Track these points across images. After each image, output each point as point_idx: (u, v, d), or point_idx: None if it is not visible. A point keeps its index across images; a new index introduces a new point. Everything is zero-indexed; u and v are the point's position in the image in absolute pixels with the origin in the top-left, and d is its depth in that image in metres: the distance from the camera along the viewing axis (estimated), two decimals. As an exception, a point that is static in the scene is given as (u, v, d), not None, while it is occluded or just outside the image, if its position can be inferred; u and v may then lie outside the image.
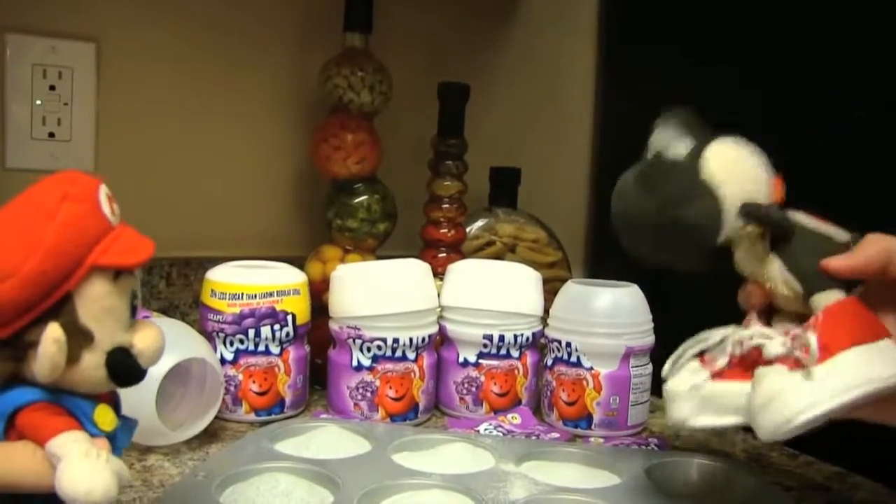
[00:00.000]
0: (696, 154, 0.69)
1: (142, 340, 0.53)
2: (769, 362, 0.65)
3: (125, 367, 0.52)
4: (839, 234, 0.70)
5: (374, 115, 1.14)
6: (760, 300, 0.71)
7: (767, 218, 0.68)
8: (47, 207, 0.49)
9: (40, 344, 0.48)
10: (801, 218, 0.70)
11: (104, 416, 0.52)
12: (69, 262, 0.49)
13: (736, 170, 0.69)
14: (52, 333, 0.48)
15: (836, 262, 0.66)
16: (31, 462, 0.48)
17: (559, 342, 1.00)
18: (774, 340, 0.66)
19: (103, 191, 0.52)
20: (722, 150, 0.69)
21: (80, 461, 0.47)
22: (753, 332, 0.68)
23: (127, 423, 0.55)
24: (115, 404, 0.55)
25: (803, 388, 0.62)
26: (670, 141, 0.71)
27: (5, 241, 0.49)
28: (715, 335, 0.71)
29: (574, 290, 1.01)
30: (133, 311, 0.53)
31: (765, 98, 1.14)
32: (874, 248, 0.67)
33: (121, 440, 0.54)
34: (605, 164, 1.49)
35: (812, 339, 0.63)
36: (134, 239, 0.53)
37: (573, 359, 0.98)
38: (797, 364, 0.63)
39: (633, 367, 0.98)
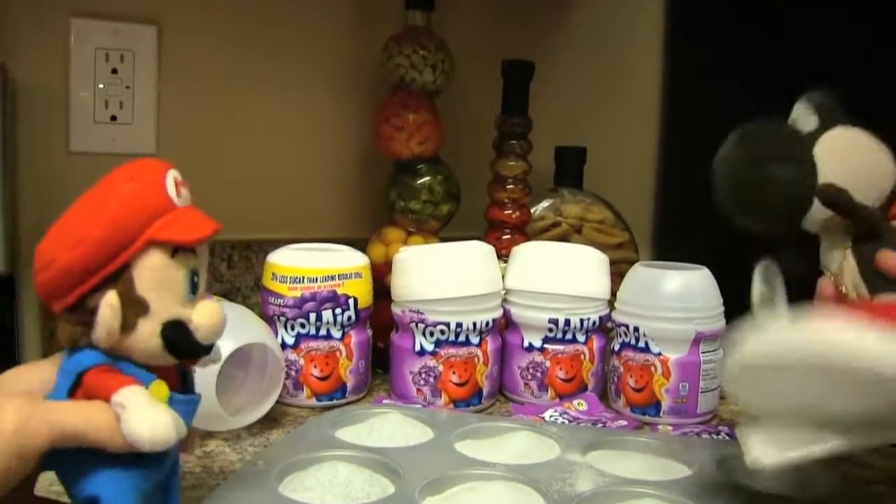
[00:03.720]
0: (817, 131, 0.66)
1: (200, 316, 0.55)
2: None
3: (179, 339, 0.54)
4: None
5: (437, 95, 1.12)
6: (832, 299, 0.68)
7: (847, 207, 0.64)
8: (114, 185, 0.53)
9: (98, 309, 0.51)
10: None
11: (159, 391, 0.54)
12: (127, 234, 0.52)
13: (850, 157, 0.65)
14: (109, 299, 0.51)
15: (893, 259, 0.62)
16: (105, 415, 0.51)
17: (627, 327, 0.97)
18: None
19: (171, 174, 0.55)
20: (843, 135, 0.66)
21: (144, 406, 0.51)
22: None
23: (188, 398, 0.57)
24: (185, 380, 0.58)
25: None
26: (801, 117, 0.68)
27: (77, 214, 0.52)
28: None
29: (642, 273, 0.98)
30: (194, 288, 0.55)
31: (830, 70, 1.10)
32: None
33: (180, 413, 0.54)
34: (673, 143, 1.46)
35: None
36: (195, 219, 0.55)
37: (641, 344, 0.96)
38: None
39: (703, 352, 0.95)
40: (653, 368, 0.95)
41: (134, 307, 0.52)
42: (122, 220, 0.52)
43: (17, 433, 0.49)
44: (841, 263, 0.66)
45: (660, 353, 0.95)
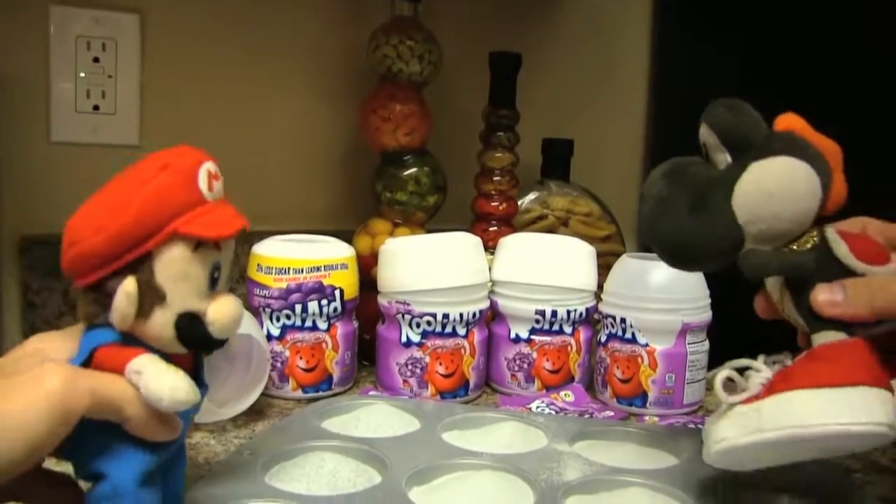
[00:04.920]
0: (731, 177, 0.62)
1: (216, 311, 0.55)
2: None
3: (192, 331, 0.55)
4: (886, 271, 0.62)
5: (424, 86, 1.11)
6: (766, 312, 0.67)
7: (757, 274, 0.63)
8: (146, 174, 0.53)
9: (116, 293, 0.52)
10: (839, 249, 0.62)
11: None
12: (152, 224, 0.53)
13: (768, 203, 0.61)
14: (126, 287, 0.52)
15: (821, 298, 0.61)
16: (126, 387, 0.52)
17: (613, 318, 0.97)
18: (762, 374, 0.63)
19: (205, 167, 0.56)
20: (759, 178, 0.62)
21: (162, 369, 0.53)
22: (758, 366, 0.64)
23: (201, 390, 0.57)
24: (197, 369, 0.59)
25: (733, 420, 0.62)
26: (711, 148, 0.64)
27: (108, 200, 0.53)
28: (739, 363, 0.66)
29: (629, 265, 0.98)
30: (214, 282, 0.56)
31: (826, 66, 1.10)
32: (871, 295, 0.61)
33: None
34: (660, 136, 1.46)
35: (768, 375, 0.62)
36: (223, 216, 0.56)
37: (628, 335, 0.95)
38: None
39: (689, 343, 0.95)
40: (639, 359, 0.95)
41: (151, 295, 0.53)
42: (147, 213, 0.52)
43: (64, 395, 0.49)
44: (780, 293, 0.65)
45: (646, 345, 0.95)
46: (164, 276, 0.53)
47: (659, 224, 0.65)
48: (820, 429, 0.58)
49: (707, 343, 0.97)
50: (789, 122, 0.64)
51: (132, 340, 0.54)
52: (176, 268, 0.54)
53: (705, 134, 0.64)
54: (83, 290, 0.54)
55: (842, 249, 0.62)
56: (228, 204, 0.58)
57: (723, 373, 0.64)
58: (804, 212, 0.62)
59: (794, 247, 0.63)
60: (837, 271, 0.61)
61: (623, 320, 0.96)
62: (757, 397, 0.61)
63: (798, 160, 0.61)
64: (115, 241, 0.52)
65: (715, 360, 0.97)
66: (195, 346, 0.56)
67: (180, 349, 0.55)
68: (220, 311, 0.56)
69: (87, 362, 0.54)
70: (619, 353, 0.96)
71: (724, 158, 0.63)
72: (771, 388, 0.61)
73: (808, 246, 0.62)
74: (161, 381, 0.52)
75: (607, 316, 0.98)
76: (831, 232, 0.63)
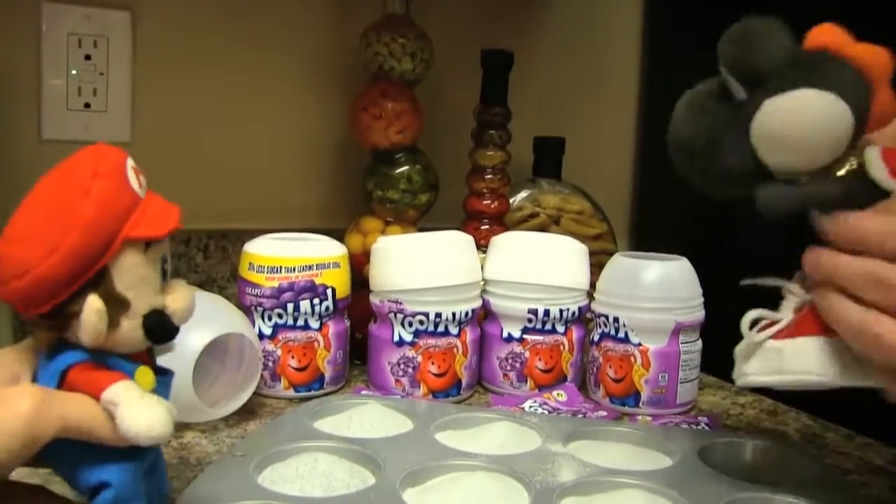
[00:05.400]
0: (748, 110, 0.59)
1: (174, 301, 0.55)
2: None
3: (160, 328, 0.54)
4: None
5: (416, 84, 1.11)
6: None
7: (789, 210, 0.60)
8: (81, 183, 0.51)
9: (82, 314, 0.51)
10: (878, 172, 0.57)
11: (144, 377, 0.54)
12: (105, 236, 0.51)
13: (788, 137, 0.58)
14: (93, 304, 0.51)
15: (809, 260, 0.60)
16: (98, 410, 0.51)
17: (606, 317, 0.97)
18: (795, 297, 0.63)
19: (130, 164, 0.54)
20: (775, 114, 0.58)
21: (138, 402, 0.52)
22: (793, 288, 0.63)
23: (165, 378, 0.58)
24: (152, 360, 0.58)
25: (758, 356, 0.64)
26: (728, 80, 0.60)
27: (45, 217, 0.51)
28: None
29: (622, 264, 0.98)
30: (164, 274, 0.56)
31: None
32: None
33: (161, 395, 0.55)
34: (651, 134, 1.46)
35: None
36: (161, 208, 0.55)
37: (621, 334, 0.95)
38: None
39: (682, 343, 0.95)
40: (632, 359, 0.95)
41: (115, 306, 0.52)
42: (99, 224, 0.51)
43: (32, 419, 0.48)
44: None
45: (639, 344, 0.95)
46: (123, 283, 0.52)
47: (680, 165, 0.64)
48: (839, 380, 0.59)
49: (700, 342, 0.97)
50: (822, 37, 0.59)
51: (99, 353, 0.53)
52: (134, 273, 0.53)
53: (723, 70, 0.61)
54: (39, 318, 0.52)
55: (880, 172, 0.57)
56: (154, 193, 0.56)
57: (752, 313, 0.64)
58: (829, 142, 0.58)
59: (829, 176, 0.59)
60: (876, 196, 0.57)
61: (616, 319, 0.96)
62: (782, 333, 0.62)
63: (817, 91, 0.57)
64: (71, 261, 0.50)
65: (708, 360, 0.98)
66: (164, 340, 0.56)
67: (149, 346, 0.55)
68: (179, 300, 0.56)
69: (59, 386, 0.52)
70: (611, 353, 0.96)
71: (740, 90, 0.60)
72: (795, 330, 0.61)
73: (841, 173, 0.59)
74: (137, 417, 0.51)
75: (600, 315, 0.98)
76: (873, 153, 0.58)
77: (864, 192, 0.57)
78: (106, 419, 0.51)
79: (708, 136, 0.61)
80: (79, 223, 0.50)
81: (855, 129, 0.57)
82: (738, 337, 0.67)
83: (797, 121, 0.58)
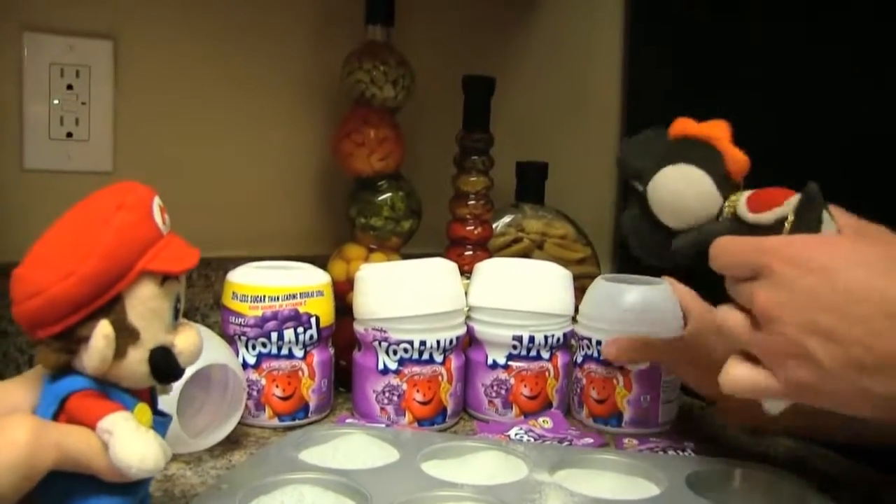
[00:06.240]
0: (643, 195, 0.75)
1: (182, 341, 0.57)
2: None
3: (166, 365, 0.56)
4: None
5: (398, 110, 1.11)
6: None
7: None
8: (104, 214, 0.53)
9: (91, 338, 0.52)
10: (740, 208, 0.70)
11: (143, 415, 0.55)
12: (122, 265, 0.53)
13: (671, 203, 0.73)
14: (103, 330, 0.52)
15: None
16: (94, 440, 0.52)
17: (589, 340, 0.98)
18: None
19: (156, 202, 0.56)
20: (660, 187, 0.74)
21: (132, 434, 0.52)
22: None
23: (163, 420, 0.58)
24: (153, 401, 0.59)
25: None
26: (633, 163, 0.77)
27: (67, 243, 0.53)
28: None
29: (604, 287, 0.99)
30: (176, 314, 0.57)
31: (801, 84, 1.10)
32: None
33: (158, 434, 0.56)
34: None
35: None
36: (181, 248, 0.57)
37: (603, 357, 0.96)
38: None
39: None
40: (615, 381, 0.97)
41: (125, 336, 0.54)
42: (117, 252, 0.53)
43: (30, 450, 0.49)
44: None
45: (621, 366, 0.96)
46: (135, 314, 0.54)
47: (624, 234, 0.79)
48: None
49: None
50: (677, 128, 0.75)
51: (103, 383, 0.54)
52: (147, 305, 0.54)
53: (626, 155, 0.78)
54: (47, 340, 0.53)
55: (741, 208, 0.70)
56: (176, 235, 0.58)
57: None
58: (701, 195, 0.72)
59: (716, 220, 0.72)
60: (745, 230, 0.70)
61: (599, 342, 0.97)
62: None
63: (674, 165, 0.73)
64: (86, 285, 0.52)
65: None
66: (169, 379, 0.57)
67: (152, 383, 0.56)
68: (187, 341, 0.57)
69: (58, 411, 0.53)
70: (594, 374, 0.97)
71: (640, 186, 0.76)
72: None
73: (723, 216, 0.72)
74: (131, 448, 0.52)
75: (583, 338, 0.99)
76: (741, 198, 0.71)
77: (739, 228, 0.70)
78: (101, 450, 0.52)
79: (633, 226, 0.78)
80: (97, 250, 0.52)
81: (720, 183, 0.72)
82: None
83: (669, 189, 0.73)
